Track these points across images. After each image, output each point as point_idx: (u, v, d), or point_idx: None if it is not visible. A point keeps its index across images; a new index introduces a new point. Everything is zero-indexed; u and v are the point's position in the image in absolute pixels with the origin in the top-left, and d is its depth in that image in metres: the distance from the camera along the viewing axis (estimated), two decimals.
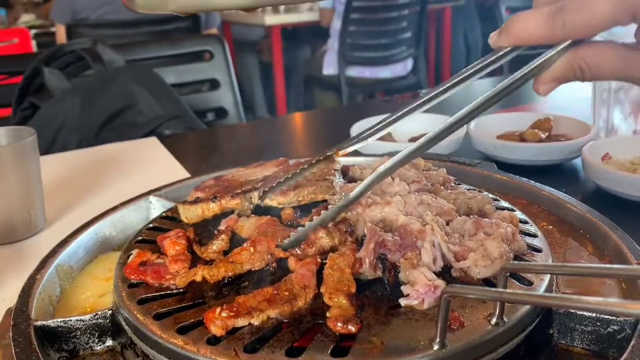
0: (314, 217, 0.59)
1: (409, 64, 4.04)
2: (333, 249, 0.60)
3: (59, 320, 0.59)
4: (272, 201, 0.70)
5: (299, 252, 0.59)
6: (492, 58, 0.55)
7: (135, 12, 0.54)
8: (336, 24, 3.80)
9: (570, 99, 1.59)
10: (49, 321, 0.59)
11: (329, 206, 0.59)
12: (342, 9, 3.70)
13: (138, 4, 0.54)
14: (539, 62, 0.51)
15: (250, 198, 0.72)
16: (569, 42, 0.50)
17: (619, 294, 0.64)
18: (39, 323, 0.58)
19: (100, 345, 0.61)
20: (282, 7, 4.44)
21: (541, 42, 0.50)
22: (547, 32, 0.49)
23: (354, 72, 3.89)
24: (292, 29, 4.66)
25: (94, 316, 0.60)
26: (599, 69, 0.48)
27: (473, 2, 5.29)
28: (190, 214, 0.73)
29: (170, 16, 2.77)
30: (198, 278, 0.59)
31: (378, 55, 3.89)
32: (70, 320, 0.59)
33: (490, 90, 0.53)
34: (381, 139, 1.22)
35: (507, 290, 0.52)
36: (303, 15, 4.28)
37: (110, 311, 0.61)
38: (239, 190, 0.72)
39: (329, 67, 3.96)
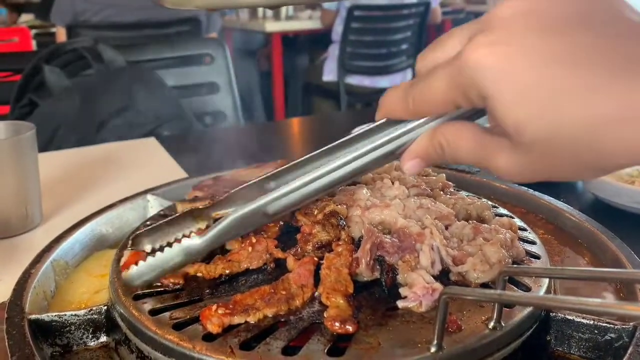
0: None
1: (408, 74, 4.06)
2: (329, 243, 0.60)
3: (54, 314, 0.59)
4: None
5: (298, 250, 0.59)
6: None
7: (163, 7, 0.54)
8: (339, 29, 3.80)
9: None
10: (43, 315, 0.58)
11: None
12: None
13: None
14: (402, 138, 0.49)
15: None
16: (427, 118, 0.48)
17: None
18: (33, 317, 0.58)
19: (94, 341, 0.60)
20: (283, 15, 4.47)
21: (401, 117, 0.49)
22: (401, 107, 0.48)
23: (353, 80, 3.90)
24: (292, 37, 4.68)
25: (89, 311, 0.60)
26: (456, 148, 0.45)
27: (472, 15, 5.32)
28: None
29: (173, 19, 2.78)
30: (191, 271, 0.58)
31: (377, 65, 3.91)
32: (65, 314, 0.59)
33: (349, 167, 0.51)
34: None
35: (507, 292, 0.52)
36: (303, 23, 4.30)
37: (105, 307, 0.60)
38: None
39: (329, 73, 3.96)
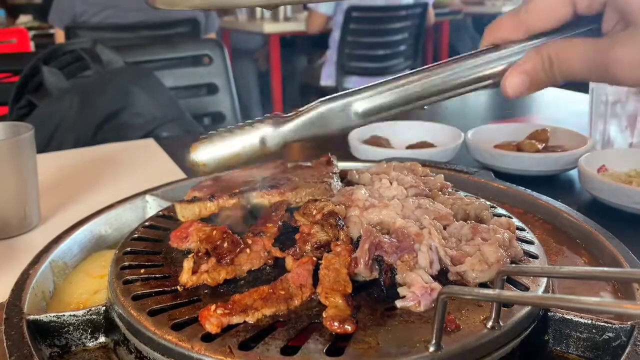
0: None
1: None
2: (328, 244, 0.60)
3: (52, 315, 0.59)
4: (264, 199, 0.70)
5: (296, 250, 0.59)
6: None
7: (155, 9, 0.54)
8: (336, 35, 3.81)
9: (568, 112, 1.60)
10: (42, 316, 0.58)
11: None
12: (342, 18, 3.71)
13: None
14: (504, 60, 0.49)
15: (248, 198, 0.71)
16: (537, 39, 0.49)
17: None
18: (31, 317, 0.58)
19: (92, 341, 0.60)
20: (281, 16, 4.47)
21: (511, 36, 0.50)
22: (511, 23, 0.49)
23: (352, 84, 3.89)
24: (290, 38, 4.67)
25: (88, 312, 0.60)
26: (568, 58, 0.46)
27: (470, 17, 5.33)
28: (187, 212, 0.72)
29: (172, 20, 2.78)
30: (196, 282, 0.59)
31: (376, 66, 3.91)
32: (64, 315, 0.59)
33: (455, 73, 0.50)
34: (378, 145, 1.23)
35: (505, 292, 0.52)
36: (301, 25, 4.30)
37: (104, 307, 0.60)
38: (237, 190, 0.72)
39: (327, 79, 3.96)
